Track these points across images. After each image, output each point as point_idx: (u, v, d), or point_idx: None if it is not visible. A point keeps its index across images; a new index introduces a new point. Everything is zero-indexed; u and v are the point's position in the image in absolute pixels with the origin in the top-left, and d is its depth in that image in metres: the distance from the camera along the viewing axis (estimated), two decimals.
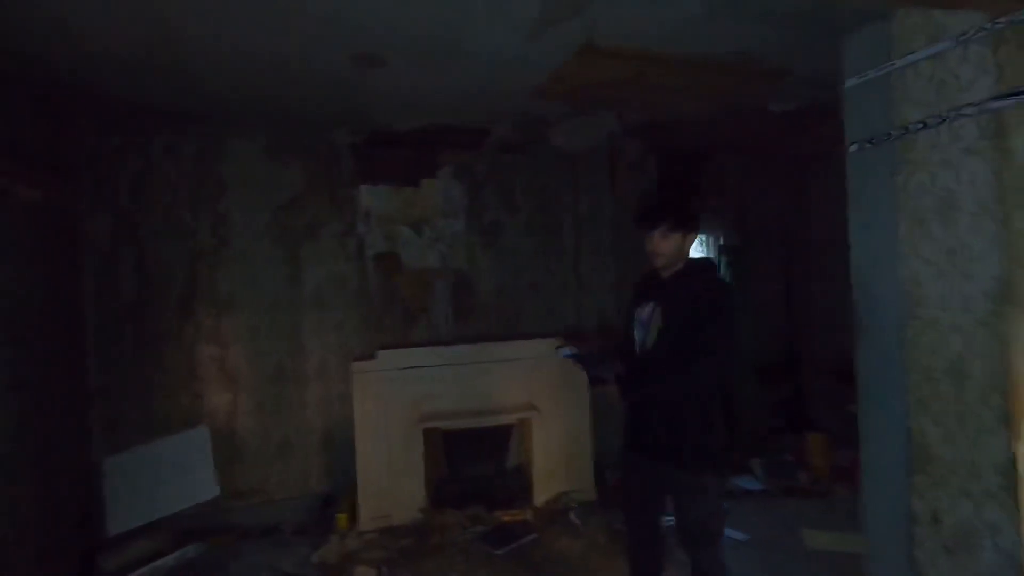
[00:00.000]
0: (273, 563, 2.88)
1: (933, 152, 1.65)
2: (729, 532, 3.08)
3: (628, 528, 2.16)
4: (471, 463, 3.62)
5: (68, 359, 2.89)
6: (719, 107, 3.26)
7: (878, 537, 1.94)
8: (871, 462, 1.97)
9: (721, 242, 4.63)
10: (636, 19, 2.07)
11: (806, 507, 3.43)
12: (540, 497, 3.47)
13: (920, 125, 1.66)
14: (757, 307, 4.55)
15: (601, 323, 4.07)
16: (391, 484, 3.25)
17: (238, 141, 3.36)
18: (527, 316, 3.97)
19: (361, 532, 3.15)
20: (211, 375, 3.29)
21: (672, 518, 1.97)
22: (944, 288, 1.64)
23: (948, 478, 1.66)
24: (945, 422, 1.66)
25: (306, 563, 2.87)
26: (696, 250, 5.06)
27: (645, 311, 2.00)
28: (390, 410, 3.28)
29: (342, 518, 3.18)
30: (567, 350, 2.14)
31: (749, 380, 4.46)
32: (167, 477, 3.00)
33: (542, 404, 3.50)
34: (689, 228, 1.98)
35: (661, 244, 1.96)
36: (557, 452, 3.53)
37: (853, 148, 1.90)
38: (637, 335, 2.02)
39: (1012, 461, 1.51)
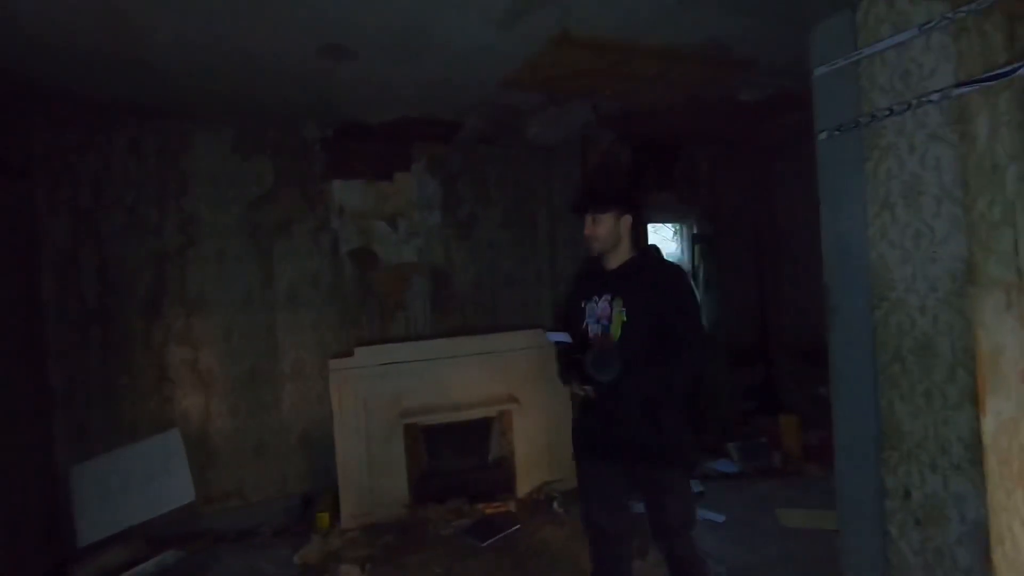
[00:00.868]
0: (254, 566, 2.83)
1: (900, 138, 1.70)
2: (707, 514, 3.15)
3: (593, 540, 2.01)
4: (453, 457, 3.61)
5: (28, 365, 2.77)
6: (691, 96, 3.29)
7: (851, 513, 2.00)
8: (843, 440, 2.03)
9: (694, 231, 4.70)
10: (609, 7, 2.08)
11: (780, 487, 3.53)
12: (523, 488, 3.49)
13: (887, 112, 1.70)
14: (729, 293, 4.64)
15: None
16: (372, 481, 3.22)
17: (204, 136, 3.26)
18: (504, 308, 3.97)
19: (343, 531, 3.12)
20: (182, 378, 3.20)
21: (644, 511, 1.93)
22: (911, 270, 1.70)
23: (917, 453, 1.73)
24: (913, 399, 1.73)
25: (288, 564, 2.83)
26: (670, 240, 5.15)
27: (599, 305, 1.90)
28: (369, 407, 3.25)
29: (323, 517, 3.15)
30: (560, 335, 1.93)
31: (721, 365, 4.56)
32: (139, 483, 2.91)
33: (522, 395, 3.51)
34: (621, 209, 1.91)
35: (594, 228, 1.91)
36: (538, 442, 3.54)
37: (823, 135, 1.95)
38: (593, 331, 1.89)
39: (977, 435, 1.58)
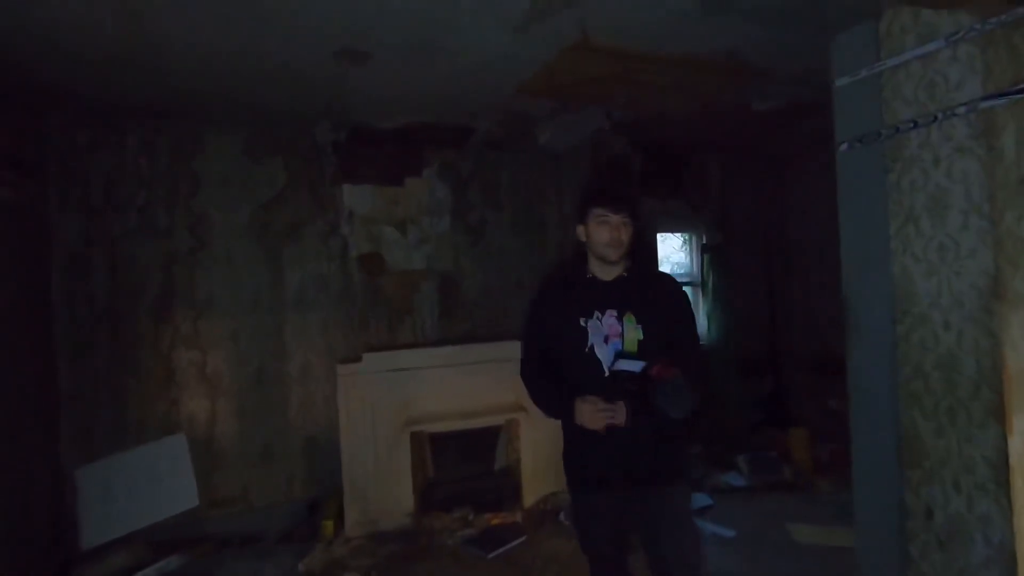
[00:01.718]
0: (258, 572, 2.80)
1: (924, 150, 1.67)
2: (716, 528, 3.10)
3: (594, 560, 1.89)
4: (459, 465, 3.58)
5: (36, 365, 2.76)
6: (704, 105, 3.27)
7: (869, 531, 1.96)
8: (861, 456, 1.99)
9: (704, 240, 4.66)
10: (628, 15, 2.06)
11: (790, 501, 3.48)
12: (529, 498, 3.45)
13: (911, 124, 1.67)
14: (738, 304, 4.60)
15: None
16: (378, 488, 3.19)
17: (216, 138, 3.26)
18: (513, 315, 3.94)
19: (348, 538, 3.08)
20: (189, 380, 3.18)
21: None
22: (935, 285, 1.67)
23: (940, 472, 1.69)
24: (937, 416, 1.69)
25: (292, 572, 2.80)
26: (678, 249, 5.12)
27: (604, 322, 1.70)
28: (376, 413, 3.22)
29: (328, 524, 3.11)
30: (631, 364, 1.65)
31: (731, 376, 4.51)
32: (144, 487, 2.89)
33: (530, 404, 3.46)
34: (637, 217, 1.81)
35: (621, 233, 1.73)
36: (545, 452, 3.50)
37: (843, 147, 1.92)
38: (600, 353, 1.69)
39: (1004, 455, 1.54)
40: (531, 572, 2.77)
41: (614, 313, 1.72)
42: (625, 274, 1.80)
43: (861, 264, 1.90)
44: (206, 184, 3.24)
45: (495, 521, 3.24)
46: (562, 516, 3.29)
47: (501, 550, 2.94)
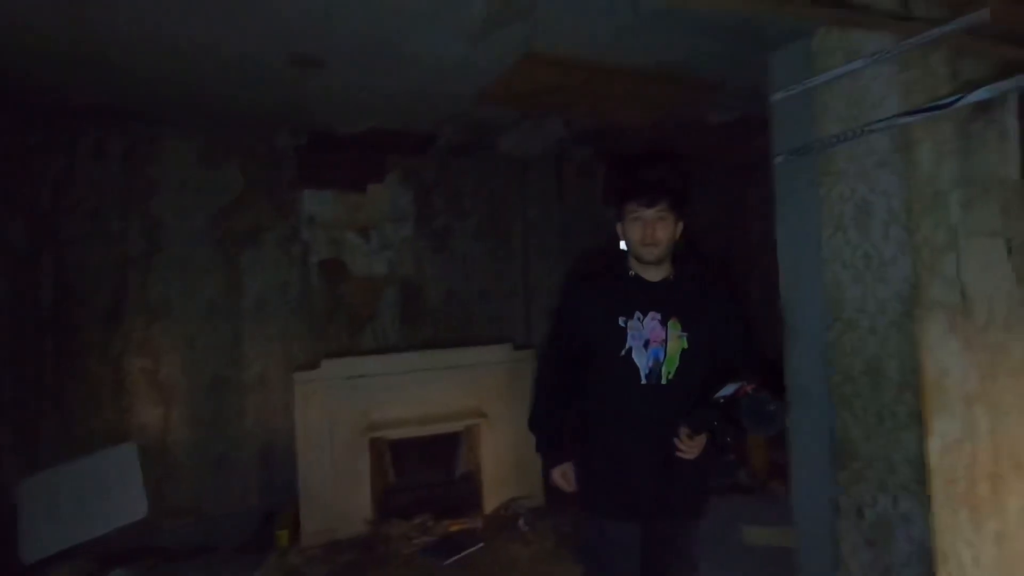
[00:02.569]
0: None
1: (850, 164, 1.75)
2: None
3: None
4: (420, 472, 3.57)
5: None
6: (662, 116, 3.35)
7: (806, 531, 2.02)
8: (799, 459, 2.05)
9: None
10: (576, 26, 2.11)
11: (747, 503, 3.55)
12: (490, 504, 3.45)
13: (839, 138, 1.75)
14: None
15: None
16: (335, 497, 3.16)
17: (173, 141, 3.22)
18: (477, 322, 3.96)
19: (303, 548, 3.05)
20: (141, 388, 3.12)
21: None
22: (861, 292, 1.74)
23: (868, 473, 1.75)
24: (865, 420, 1.75)
25: None
26: None
27: (645, 325, 1.54)
28: (335, 420, 3.20)
29: (283, 535, 3.07)
30: (726, 388, 1.48)
31: None
32: (90, 498, 2.82)
33: (491, 409, 3.49)
34: (682, 210, 1.62)
35: (656, 230, 1.55)
36: (506, 458, 3.52)
37: (779, 159, 1.99)
38: (638, 359, 1.54)
39: (923, 456, 1.60)
40: None
41: (657, 316, 1.56)
42: (672, 278, 1.64)
43: (796, 271, 1.97)
44: (161, 188, 3.20)
45: (454, 528, 3.24)
46: (521, 522, 3.30)
47: (458, 556, 2.95)
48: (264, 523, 3.24)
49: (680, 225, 1.66)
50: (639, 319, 1.58)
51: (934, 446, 1.61)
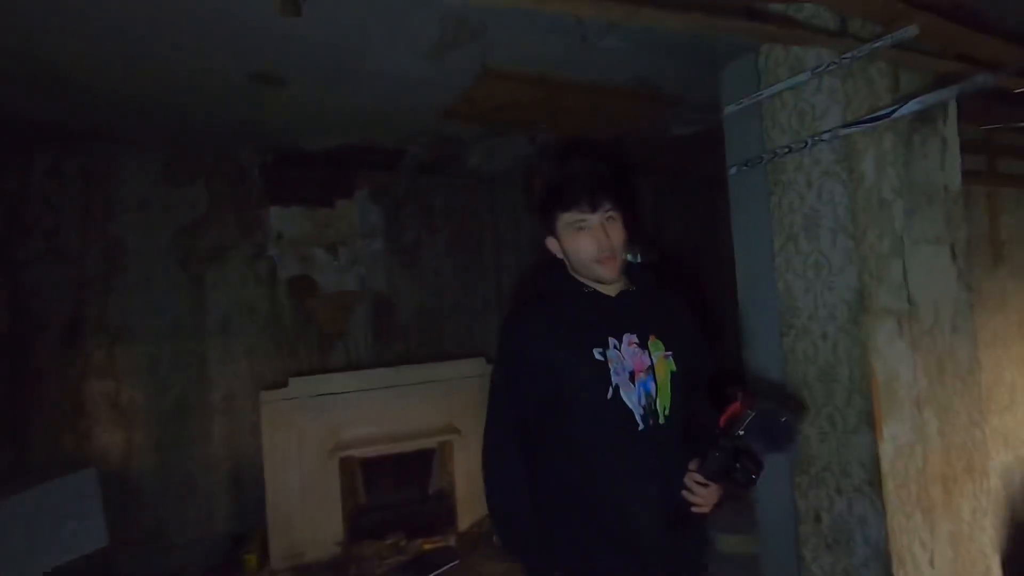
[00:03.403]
0: None
1: (798, 174, 1.79)
2: None
3: None
4: (392, 490, 3.52)
5: None
6: (625, 130, 3.40)
7: (770, 537, 2.03)
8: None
9: (638, 259, 4.79)
10: (529, 45, 2.14)
11: (722, 511, 3.55)
12: (464, 522, 3.42)
13: (786, 150, 1.79)
14: None
15: None
16: (305, 518, 3.10)
17: (133, 160, 3.17)
18: (449, 337, 3.94)
19: (273, 571, 2.98)
20: (102, 411, 3.04)
21: None
22: (812, 299, 1.77)
23: (825, 477, 1.78)
24: (820, 424, 1.78)
25: None
26: None
27: (625, 353, 1.25)
28: (304, 440, 3.15)
29: (251, 559, 3.00)
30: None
31: None
32: (47, 528, 2.72)
33: (464, 425, 3.46)
34: (630, 209, 1.38)
35: (614, 234, 1.28)
36: (480, 475, 3.48)
37: (733, 171, 2.03)
38: (628, 398, 1.23)
39: (876, 459, 1.63)
40: None
41: (634, 339, 1.28)
42: (631, 288, 1.36)
43: (752, 280, 2.01)
44: (122, 208, 3.14)
45: (428, 546, 3.19)
46: (496, 539, 3.26)
47: (431, 575, 2.90)
48: (233, 548, 3.16)
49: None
50: (616, 347, 1.25)
51: (886, 449, 1.64)
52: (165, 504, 3.13)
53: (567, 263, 1.38)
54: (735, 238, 2.09)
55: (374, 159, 3.62)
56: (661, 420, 1.27)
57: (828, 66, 1.66)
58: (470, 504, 3.44)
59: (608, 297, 1.34)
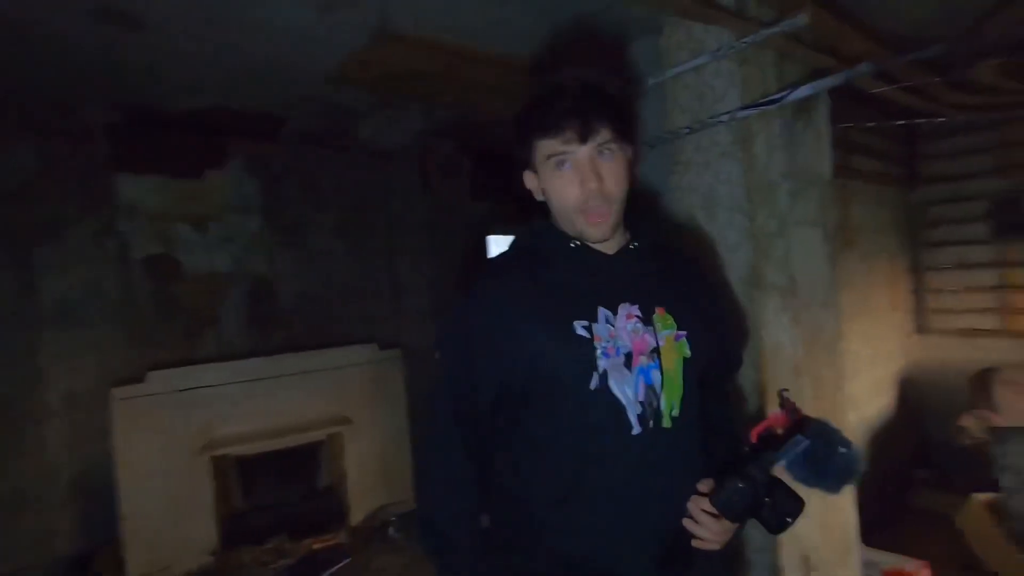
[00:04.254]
0: None
1: (698, 154, 1.85)
2: None
3: None
4: (275, 489, 3.23)
5: None
6: None
7: None
8: None
9: None
10: (432, 6, 2.01)
11: None
12: (357, 516, 3.23)
13: (687, 130, 1.84)
14: None
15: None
16: (170, 528, 2.73)
17: None
18: (340, 322, 3.68)
19: None
20: None
21: None
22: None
23: None
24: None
25: None
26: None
27: (620, 328, 0.96)
28: (168, 440, 2.77)
29: None
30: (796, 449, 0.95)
31: None
32: None
33: (355, 415, 3.26)
34: (632, 140, 1.05)
35: (609, 175, 0.97)
36: (373, 464, 3.31)
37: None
38: (620, 389, 0.94)
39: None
40: None
41: (634, 311, 0.98)
42: (634, 245, 1.06)
43: None
44: None
45: (317, 545, 2.97)
46: (391, 531, 3.12)
47: None
48: (78, 571, 2.70)
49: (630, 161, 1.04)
50: (607, 320, 0.96)
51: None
52: None
53: (553, 213, 1.07)
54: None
55: (251, 126, 3.25)
56: (665, 423, 0.97)
57: (728, 49, 1.72)
58: (363, 497, 3.26)
59: (602, 255, 1.04)
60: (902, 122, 3.06)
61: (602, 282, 1.02)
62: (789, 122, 1.91)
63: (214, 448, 2.86)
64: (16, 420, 2.68)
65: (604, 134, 0.98)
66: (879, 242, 3.58)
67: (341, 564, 2.81)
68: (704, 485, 0.99)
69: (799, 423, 0.97)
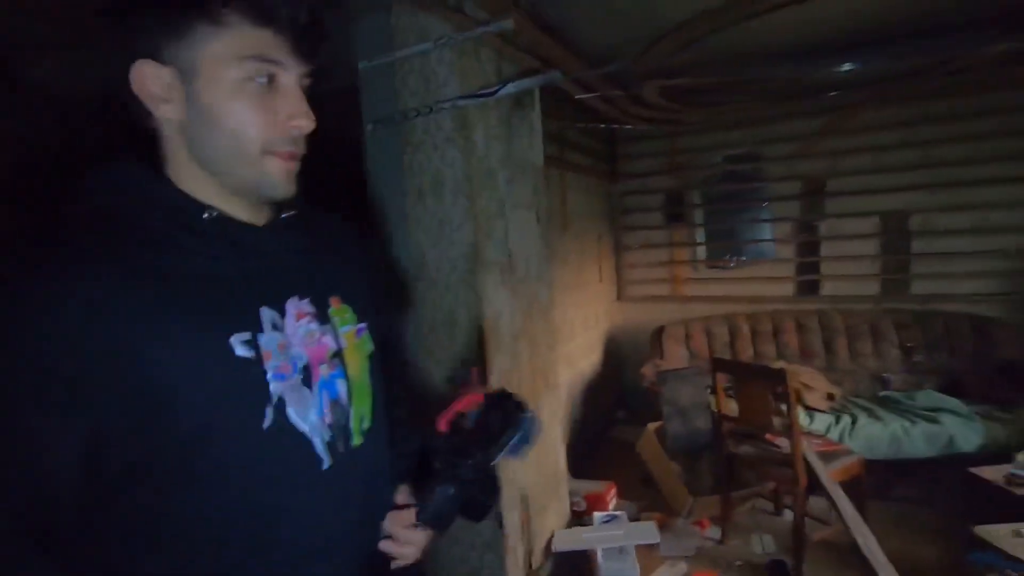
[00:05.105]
0: None
1: (426, 137, 1.94)
2: None
3: None
4: None
5: None
6: None
7: None
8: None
9: None
10: None
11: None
12: None
13: (415, 113, 1.91)
14: None
15: None
16: None
17: None
18: None
19: None
20: None
21: None
22: (439, 253, 1.97)
23: None
24: (444, 363, 2.02)
25: None
26: None
27: (290, 336, 0.73)
28: None
29: None
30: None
31: None
32: None
33: None
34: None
35: (309, 112, 0.73)
36: None
37: (369, 127, 2.06)
38: (303, 417, 0.71)
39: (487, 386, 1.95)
40: None
41: (305, 305, 0.76)
42: (288, 212, 0.79)
43: (391, 235, 2.10)
44: None
45: None
46: None
47: None
48: None
49: None
50: (274, 325, 0.71)
51: (493, 380, 1.97)
52: None
53: (169, 148, 0.71)
54: (373, 194, 2.14)
55: None
56: (356, 440, 0.80)
57: (448, 40, 1.83)
58: None
59: (251, 228, 0.74)
60: (602, 125, 3.67)
61: (259, 270, 0.73)
62: (506, 116, 2.14)
63: None
64: None
65: (317, 58, 0.73)
66: (589, 226, 4.26)
67: None
68: (401, 495, 0.88)
69: (485, 402, 0.92)
